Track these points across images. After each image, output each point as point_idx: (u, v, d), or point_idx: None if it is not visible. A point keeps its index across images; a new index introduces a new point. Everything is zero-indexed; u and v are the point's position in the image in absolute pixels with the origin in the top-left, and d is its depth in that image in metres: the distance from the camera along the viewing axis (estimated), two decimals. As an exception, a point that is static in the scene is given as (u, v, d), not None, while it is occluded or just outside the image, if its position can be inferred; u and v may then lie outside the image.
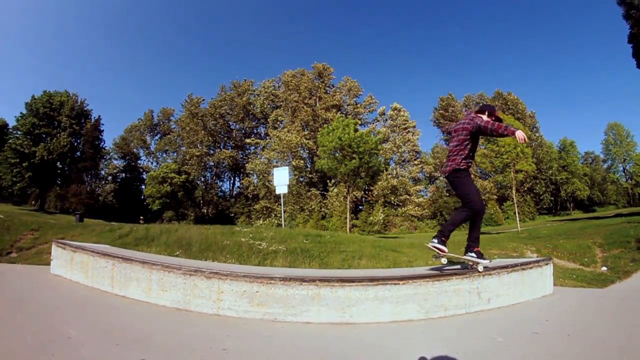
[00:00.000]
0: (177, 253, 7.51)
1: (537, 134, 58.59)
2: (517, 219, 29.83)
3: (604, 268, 10.36)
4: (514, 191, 29.40)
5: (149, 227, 10.41)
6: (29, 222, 10.45)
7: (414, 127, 55.04)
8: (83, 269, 4.97)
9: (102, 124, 48.76)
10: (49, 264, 5.77)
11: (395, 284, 3.76)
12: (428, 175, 57.11)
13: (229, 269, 4.31)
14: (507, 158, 26.10)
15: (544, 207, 57.29)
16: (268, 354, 2.90)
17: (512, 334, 3.24)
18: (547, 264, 4.67)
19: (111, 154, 57.34)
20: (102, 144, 49.94)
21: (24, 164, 38.59)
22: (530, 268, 4.45)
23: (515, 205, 31.35)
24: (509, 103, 58.22)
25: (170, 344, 2.98)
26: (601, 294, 5.67)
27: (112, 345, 2.81)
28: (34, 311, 3.65)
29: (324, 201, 47.20)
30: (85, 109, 45.89)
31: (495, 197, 50.53)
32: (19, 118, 40.38)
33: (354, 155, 25.47)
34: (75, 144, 44.57)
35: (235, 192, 58.92)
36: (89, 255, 4.95)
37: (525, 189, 53.17)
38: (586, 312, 4.05)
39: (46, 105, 40.86)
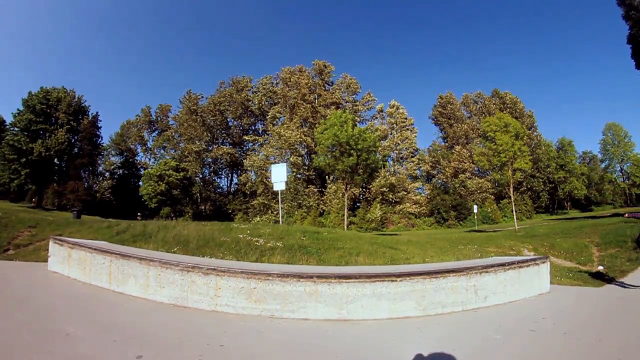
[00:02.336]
0: (175, 249, 7.49)
1: (535, 133, 58.73)
2: (515, 217, 29.96)
3: (601, 267, 10.43)
4: (511, 190, 29.43)
5: (146, 223, 10.38)
6: (26, 219, 10.40)
7: (412, 124, 55.06)
8: (81, 265, 4.95)
9: (100, 121, 48.57)
10: (46, 261, 5.75)
11: (392, 280, 3.76)
12: (425, 172, 57.20)
13: (227, 266, 4.30)
14: (505, 157, 26.10)
15: (542, 205, 57.53)
16: (265, 350, 2.90)
17: (509, 331, 3.26)
18: (543, 263, 4.70)
19: (108, 150, 57.04)
20: (100, 140, 49.70)
21: (21, 161, 38.32)
22: (527, 266, 4.48)
23: (513, 203, 31.46)
24: (507, 102, 58.29)
25: (167, 340, 2.98)
26: (597, 292, 5.72)
27: (110, 342, 2.81)
28: (31, 308, 3.64)
29: (322, 198, 47.16)
30: (83, 105, 45.48)
31: (492, 195, 50.67)
32: (16, 114, 40.05)
33: (352, 152, 25.41)
34: (73, 140, 44.22)
35: (233, 189, 58.77)
36: (87, 252, 4.93)
37: (524, 188, 53.34)
38: (582, 310, 4.08)
39: (43, 101, 40.50)
